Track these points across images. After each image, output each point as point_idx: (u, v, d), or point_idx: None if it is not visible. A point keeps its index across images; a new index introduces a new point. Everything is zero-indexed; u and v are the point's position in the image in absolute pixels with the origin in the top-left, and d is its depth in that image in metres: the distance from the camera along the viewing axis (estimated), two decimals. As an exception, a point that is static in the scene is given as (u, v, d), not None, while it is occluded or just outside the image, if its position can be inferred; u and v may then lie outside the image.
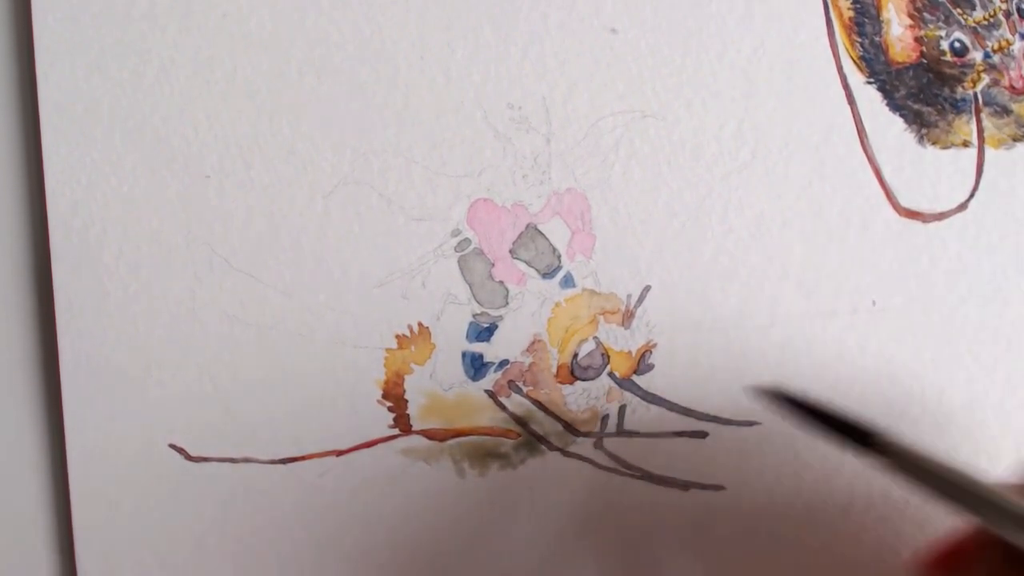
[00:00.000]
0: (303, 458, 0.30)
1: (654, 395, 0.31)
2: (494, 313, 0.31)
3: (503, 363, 0.31)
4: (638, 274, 0.31)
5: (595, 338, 0.31)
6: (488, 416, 0.31)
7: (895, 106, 0.32)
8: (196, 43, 0.30)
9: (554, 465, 0.31)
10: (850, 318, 0.32)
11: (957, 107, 0.33)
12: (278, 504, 0.30)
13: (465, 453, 0.31)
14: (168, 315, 0.30)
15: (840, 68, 0.32)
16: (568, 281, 0.31)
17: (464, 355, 0.31)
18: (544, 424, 0.31)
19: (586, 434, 0.31)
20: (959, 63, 0.32)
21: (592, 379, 0.31)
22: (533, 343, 0.31)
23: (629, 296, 0.31)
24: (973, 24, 0.32)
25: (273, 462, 0.30)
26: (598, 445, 0.31)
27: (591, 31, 0.31)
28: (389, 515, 0.31)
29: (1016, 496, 0.19)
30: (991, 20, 0.32)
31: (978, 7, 0.32)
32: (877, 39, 0.32)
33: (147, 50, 0.30)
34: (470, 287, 0.31)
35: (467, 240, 0.31)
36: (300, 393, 0.30)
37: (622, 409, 0.31)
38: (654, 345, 0.31)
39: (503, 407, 0.31)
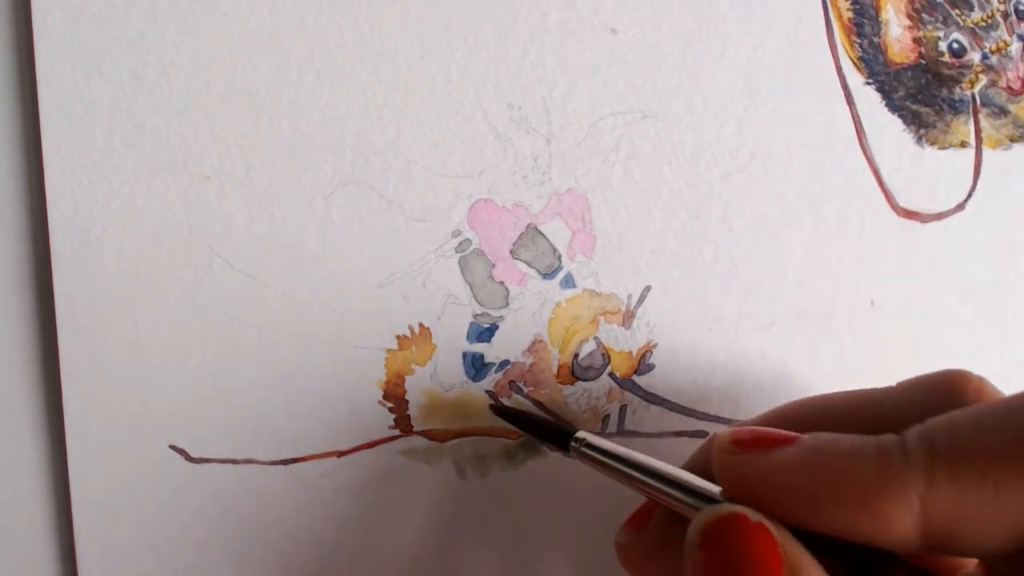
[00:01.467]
0: (304, 459, 0.30)
1: (654, 395, 0.31)
2: (495, 314, 0.31)
3: (504, 363, 0.31)
4: (638, 274, 0.31)
5: (596, 338, 0.31)
6: (489, 416, 0.31)
7: (894, 106, 0.32)
8: (196, 43, 0.30)
9: (555, 466, 0.31)
10: (848, 318, 0.32)
11: (955, 108, 0.33)
12: (279, 505, 0.30)
13: (466, 454, 0.31)
14: (168, 316, 0.30)
15: (839, 68, 0.32)
16: (568, 281, 0.31)
17: (465, 355, 0.31)
18: (545, 424, 0.31)
19: (587, 434, 0.31)
20: (957, 64, 0.33)
21: (593, 379, 0.31)
22: (534, 343, 0.31)
23: (629, 296, 0.31)
24: (971, 25, 0.32)
25: (274, 463, 0.30)
26: (599, 445, 0.31)
27: (591, 31, 0.31)
28: (390, 516, 0.31)
29: (679, 472, 0.24)
30: (989, 21, 0.32)
31: (976, 8, 0.32)
32: (876, 40, 0.32)
33: (147, 50, 0.29)
34: (471, 287, 0.31)
35: (468, 240, 0.31)
36: (301, 394, 0.30)
37: (623, 409, 0.31)
38: (654, 345, 0.31)
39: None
